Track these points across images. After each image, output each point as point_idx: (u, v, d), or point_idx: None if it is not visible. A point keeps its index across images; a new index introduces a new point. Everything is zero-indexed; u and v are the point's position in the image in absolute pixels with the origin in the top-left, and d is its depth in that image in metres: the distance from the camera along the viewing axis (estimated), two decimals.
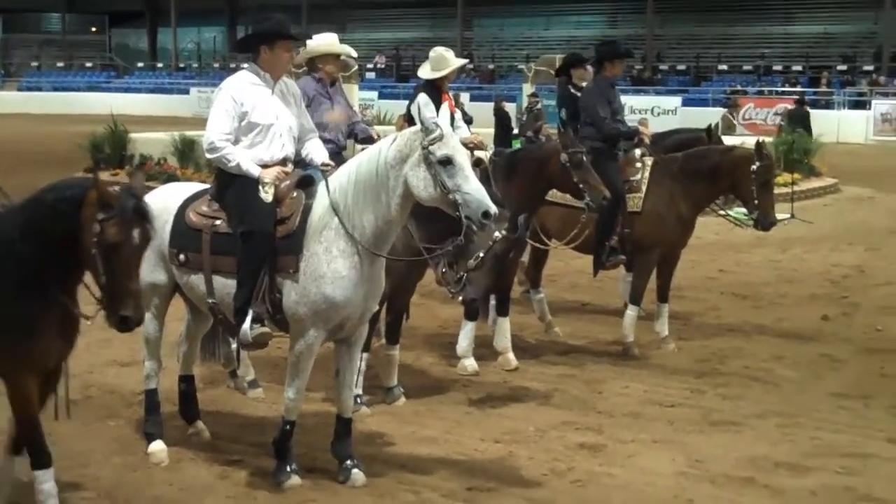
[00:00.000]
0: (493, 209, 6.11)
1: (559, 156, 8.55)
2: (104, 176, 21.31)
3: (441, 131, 6.11)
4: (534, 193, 8.79)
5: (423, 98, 9.07)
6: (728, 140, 13.77)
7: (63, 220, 5.39)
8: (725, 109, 28.84)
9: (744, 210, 10.03)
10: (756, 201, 9.61)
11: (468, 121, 22.82)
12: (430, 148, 6.08)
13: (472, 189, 6.08)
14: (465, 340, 9.20)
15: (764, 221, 9.70)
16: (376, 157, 6.32)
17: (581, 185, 8.53)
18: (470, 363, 9.15)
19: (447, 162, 6.07)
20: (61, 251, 5.43)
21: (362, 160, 6.45)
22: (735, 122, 28.24)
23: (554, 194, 9.12)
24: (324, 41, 8.55)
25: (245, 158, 6.66)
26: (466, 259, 7.08)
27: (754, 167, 9.56)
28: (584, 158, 8.58)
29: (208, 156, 6.81)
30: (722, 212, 10.65)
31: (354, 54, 9.18)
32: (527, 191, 8.67)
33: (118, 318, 5.36)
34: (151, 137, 23.63)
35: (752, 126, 36.39)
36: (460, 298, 7.38)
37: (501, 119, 24.69)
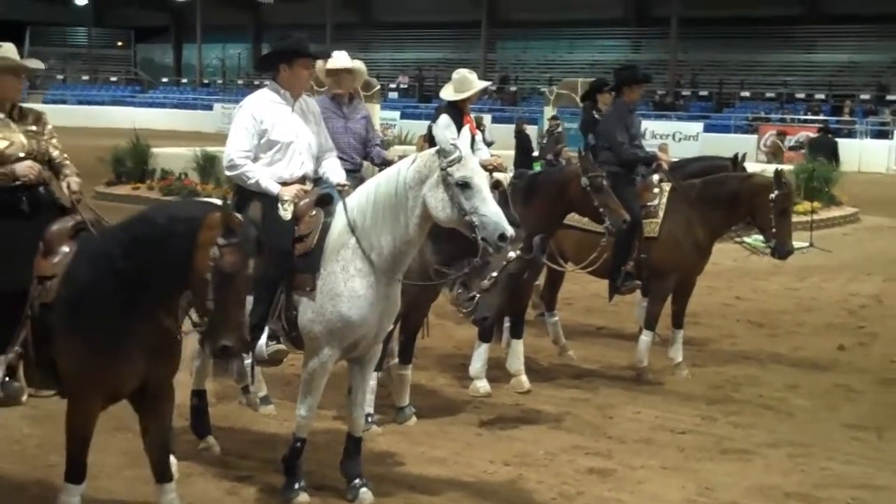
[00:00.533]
0: (510, 231, 6.14)
1: (580, 179, 8.58)
2: (125, 189, 21.60)
3: (460, 153, 6.15)
4: (552, 216, 8.82)
5: (444, 119, 9.10)
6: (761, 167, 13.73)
7: (178, 240, 5.27)
8: (775, 135, 28.62)
9: (761, 238, 10.01)
10: (774, 230, 9.59)
11: (489, 143, 22.92)
12: (449, 170, 6.12)
13: (490, 212, 6.11)
14: (478, 362, 9.20)
15: (781, 250, 9.67)
16: (395, 178, 6.35)
17: (601, 209, 8.56)
18: (482, 385, 9.15)
19: (465, 184, 6.10)
20: (166, 272, 5.33)
21: (381, 180, 6.48)
22: (783, 147, 28.08)
23: (571, 217, 9.14)
24: (332, 59, 8.66)
25: (264, 176, 6.71)
26: (481, 279, 7.11)
27: (773, 195, 9.54)
28: (605, 183, 8.61)
29: (228, 173, 6.88)
30: (739, 239, 10.62)
31: (363, 68, 9.20)
32: (546, 214, 8.69)
33: (219, 348, 5.26)
34: (173, 152, 23.79)
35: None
36: (472, 318, 7.38)
37: (522, 141, 24.76)
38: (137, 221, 5.58)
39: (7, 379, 5.73)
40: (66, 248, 5.78)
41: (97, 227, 5.92)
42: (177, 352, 5.72)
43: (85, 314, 5.44)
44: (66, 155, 6.33)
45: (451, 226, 6.26)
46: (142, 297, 5.38)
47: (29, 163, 6.02)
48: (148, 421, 5.82)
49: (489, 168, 8.66)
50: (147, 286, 5.36)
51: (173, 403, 5.99)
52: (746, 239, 10.69)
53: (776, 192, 9.56)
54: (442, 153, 6.18)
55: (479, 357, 9.19)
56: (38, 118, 6.30)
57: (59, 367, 5.63)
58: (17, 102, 6.24)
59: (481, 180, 6.22)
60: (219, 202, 5.58)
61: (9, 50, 6.17)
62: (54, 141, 6.31)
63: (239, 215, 5.36)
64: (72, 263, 5.66)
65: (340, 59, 8.77)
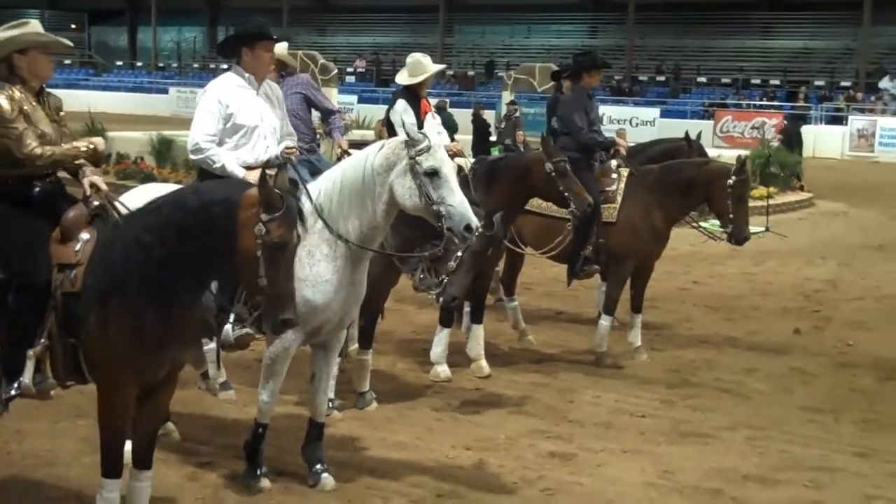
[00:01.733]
0: (476, 222, 6.23)
1: (543, 164, 8.59)
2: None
3: (428, 142, 6.17)
4: (515, 201, 8.84)
5: (400, 104, 9.09)
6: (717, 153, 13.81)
7: (218, 223, 5.15)
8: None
9: (718, 223, 10.07)
10: (731, 215, 9.66)
11: (453, 128, 22.89)
12: (418, 159, 6.15)
13: (457, 202, 6.17)
14: (438, 346, 9.21)
15: (738, 236, 9.74)
16: (363, 164, 6.37)
17: (566, 194, 8.59)
18: (443, 369, 9.16)
19: (433, 173, 6.15)
20: (206, 256, 5.22)
21: (348, 166, 6.51)
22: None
23: (530, 202, 9.16)
24: None
25: (230, 159, 6.69)
26: (446, 263, 7.13)
27: (730, 181, 9.60)
28: (568, 167, 8.63)
29: (192, 157, 6.84)
30: (696, 224, 10.69)
31: (281, 51, 9.07)
32: (508, 198, 8.70)
33: (280, 322, 5.18)
34: (129, 136, 23.55)
35: (729, 139, 36.60)
36: (441, 300, 7.39)
37: (480, 126, 24.76)
38: (168, 207, 5.37)
39: (36, 374, 5.51)
40: (85, 235, 5.55)
41: (112, 212, 5.66)
42: (198, 337, 5.60)
43: (121, 303, 5.26)
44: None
45: (418, 214, 6.31)
46: (179, 282, 5.24)
47: (98, 178, 5.78)
48: (146, 405, 5.61)
49: (450, 153, 8.65)
50: (184, 272, 5.23)
51: (175, 388, 5.86)
52: (703, 224, 10.74)
53: (733, 179, 9.61)
54: (410, 142, 6.20)
55: (440, 342, 9.20)
56: (59, 106, 6.02)
57: (87, 357, 5.43)
58: (44, 87, 5.95)
59: (449, 170, 6.26)
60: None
61: (36, 26, 5.87)
62: (67, 131, 6.06)
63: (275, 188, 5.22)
64: (99, 251, 5.45)
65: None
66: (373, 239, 6.45)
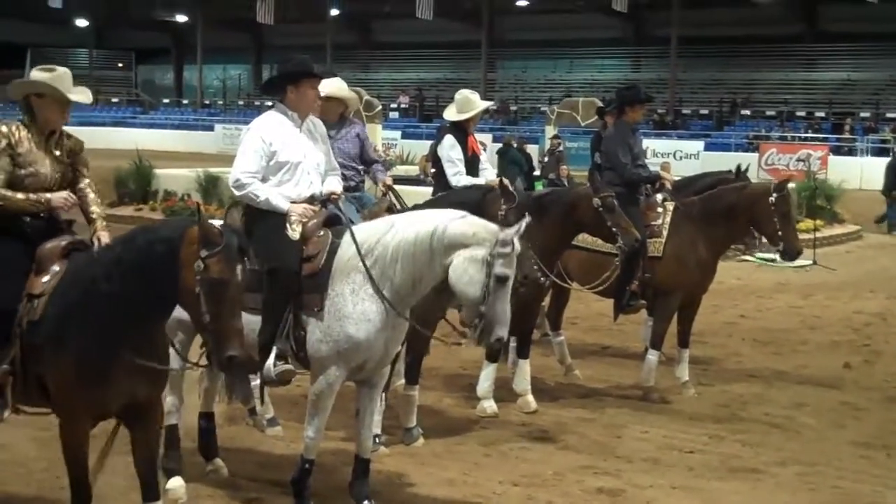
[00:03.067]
0: (503, 338, 6.22)
1: (591, 200, 8.60)
2: (127, 210, 21.62)
3: (514, 250, 6.10)
4: (563, 237, 8.86)
5: (448, 139, 9.10)
6: None
7: (160, 262, 5.26)
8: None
9: (767, 255, 10.00)
10: (779, 233, 9.62)
11: (520, 164, 22.81)
12: (497, 260, 6.07)
13: (500, 311, 6.10)
14: (485, 382, 9.19)
15: (790, 251, 9.71)
16: (431, 228, 6.22)
17: (614, 229, 8.58)
18: (490, 405, 9.13)
19: (504, 280, 6.08)
20: (151, 294, 5.32)
21: (416, 223, 6.36)
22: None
23: (577, 237, 9.16)
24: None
25: (273, 193, 6.74)
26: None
27: (772, 199, 9.57)
28: (616, 203, 8.63)
29: (236, 193, 6.87)
30: (744, 257, 10.63)
31: (352, 96, 9.13)
32: (556, 234, 8.72)
33: (225, 359, 5.19)
34: (176, 173, 23.80)
35: (774, 171, 36.34)
36: (484, 343, 7.38)
37: (518, 161, 24.37)
38: (120, 243, 5.59)
39: None
40: (56, 267, 5.78)
41: (87, 246, 5.92)
42: (162, 373, 5.69)
43: (70, 333, 5.44)
44: (95, 190, 6.31)
45: (461, 300, 6.22)
46: (126, 317, 5.36)
47: (64, 194, 6.02)
48: (136, 438, 5.78)
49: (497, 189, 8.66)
50: (132, 307, 5.35)
51: (161, 421, 6.02)
52: (749, 258, 10.68)
53: (775, 196, 9.59)
54: (502, 242, 6.09)
55: (487, 377, 9.18)
56: (75, 149, 6.24)
57: (47, 384, 5.61)
58: (59, 130, 6.18)
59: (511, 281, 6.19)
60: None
61: (63, 76, 6.08)
62: (85, 171, 6.29)
63: (217, 224, 5.34)
64: (59, 283, 5.68)
65: (324, 86, 8.69)
66: (414, 297, 6.42)
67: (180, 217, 6.14)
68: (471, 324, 6.18)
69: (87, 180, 6.27)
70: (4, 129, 5.95)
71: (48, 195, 5.99)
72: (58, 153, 6.11)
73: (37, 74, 6.09)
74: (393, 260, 6.30)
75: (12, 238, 5.94)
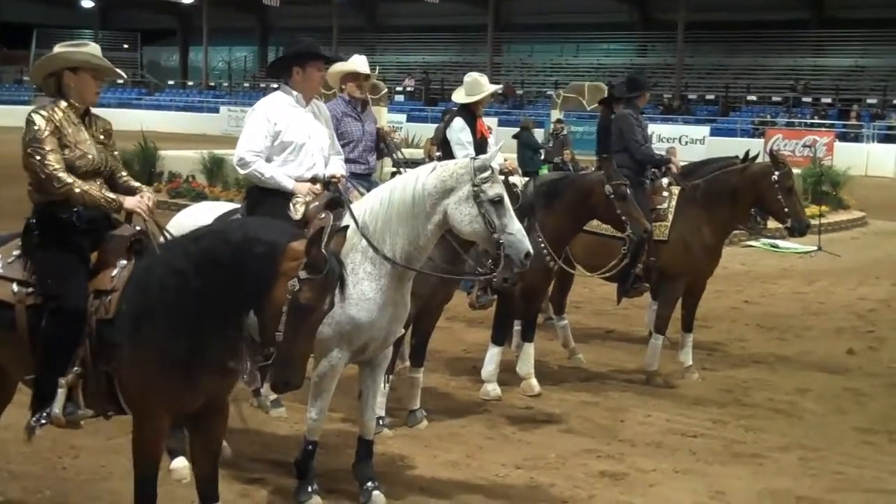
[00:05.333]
0: (531, 251, 6.27)
1: (604, 187, 8.60)
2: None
3: (494, 169, 6.19)
4: (575, 222, 8.89)
5: (458, 122, 9.09)
6: None
7: (257, 265, 4.96)
8: None
9: (770, 241, 9.99)
10: (786, 209, 9.62)
11: (536, 148, 22.78)
12: (483, 186, 6.15)
13: (516, 230, 6.23)
14: (490, 365, 9.20)
15: (799, 226, 9.70)
16: (412, 185, 6.36)
17: (624, 218, 8.59)
18: (493, 388, 9.15)
19: (499, 201, 6.16)
20: (241, 294, 5.02)
21: (396, 186, 6.49)
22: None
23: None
24: (356, 63, 8.65)
25: (278, 171, 6.75)
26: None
27: (775, 176, 9.57)
28: (628, 191, 8.63)
29: (240, 171, 6.89)
30: (749, 242, 10.61)
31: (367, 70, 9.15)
32: (568, 220, 8.75)
33: (282, 381, 5.01)
34: (180, 155, 23.83)
35: None
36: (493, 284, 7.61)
37: (533, 144, 24.31)
38: (210, 237, 5.26)
39: (68, 403, 5.44)
40: (123, 261, 5.51)
41: (152, 240, 5.62)
42: (237, 370, 5.40)
43: (155, 330, 5.17)
44: (126, 172, 6.02)
45: (474, 239, 6.36)
46: (213, 314, 5.09)
47: (137, 199, 5.69)
48: (200, 438, 5.61)
49: (504, 172, 8.66)
50: (217, 304, 5.07)
51: (227, 421, 5.80)
52: (754, 243, 10.67)
53: (777, 173, 9.59)
54: (478, 169, 6.19)
55: (492, 360, 9.19)
56: (108, 129, 5.96)
57: (120, 384, 5.35)
58: (93, 106, 5.90)
59: (508, 198, 6.29)
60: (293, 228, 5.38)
61: (95, 49, 5.82)
62: (117, 154, 6.02)
63: (324, 249, 4.97)
64: (135, 277, 5.37)
65: (363, 64, 8.73)
66: (417, 259, 6.45)
67: (281, 222, 5.82)
68: (496, 257, 6.30)
69: (119, 165, 6.01)
70: (45, 112, 5.57)
71: (122, 197, 5.66)
72: (98, 134, 5.84)
73: (70, 49, 5.76)
74: (385, 228, 6.37)
75: (64, 231, 5.62)
